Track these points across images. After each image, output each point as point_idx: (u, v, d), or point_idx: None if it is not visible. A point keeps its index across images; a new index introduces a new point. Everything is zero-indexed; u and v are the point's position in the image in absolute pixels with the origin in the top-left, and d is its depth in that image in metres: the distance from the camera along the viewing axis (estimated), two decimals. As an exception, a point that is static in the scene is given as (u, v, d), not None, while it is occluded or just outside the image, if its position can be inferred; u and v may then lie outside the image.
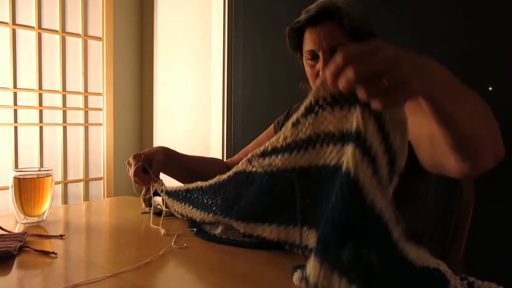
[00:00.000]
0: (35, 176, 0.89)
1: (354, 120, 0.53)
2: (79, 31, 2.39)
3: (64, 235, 0.79)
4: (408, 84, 0.46)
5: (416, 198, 0.95)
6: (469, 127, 0.57)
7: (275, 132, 1.17)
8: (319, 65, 0.96)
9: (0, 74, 2.13)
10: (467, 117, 0.57)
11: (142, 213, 1.00)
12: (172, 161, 1.03)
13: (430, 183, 1.12)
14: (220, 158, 2.10)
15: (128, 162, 0.99)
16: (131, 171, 0.95)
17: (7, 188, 2.07)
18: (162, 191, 0.94)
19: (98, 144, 2.50)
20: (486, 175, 1.34)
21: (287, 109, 1.22)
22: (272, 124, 1.20)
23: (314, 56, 0.97)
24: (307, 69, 1.01)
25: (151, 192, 0.96)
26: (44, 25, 2.27)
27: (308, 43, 0.97)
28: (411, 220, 0.91)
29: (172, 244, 0.74)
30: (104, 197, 2.48)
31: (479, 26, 1.31)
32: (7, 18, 2.12)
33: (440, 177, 1.11)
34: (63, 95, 2.34)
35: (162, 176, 1.02)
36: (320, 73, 0.97)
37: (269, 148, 0.67)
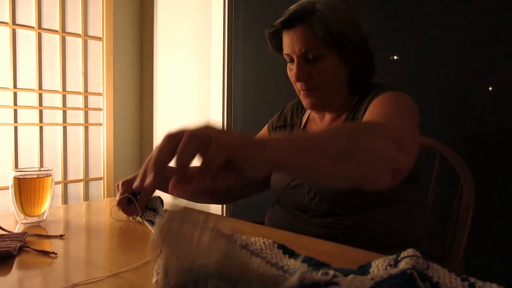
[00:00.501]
0: (35, 176, 0.89)
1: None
2: (79, 31, 2.39)
3: (64, 235, 0.78)
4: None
5: (413, 200, 0.95)
6: (336, 173, 0.56)
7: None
8: (295, 69, 0.94)
9: (0, 74, 2.13)
10: (328, 169, 0.55)
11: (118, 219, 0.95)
12: (166, 180, 1.01)
13: (426, 185, 1.12)
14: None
15: (117, 186, 0.97)
16: (116, 200, 0.94)
17: (7, 188, 2.07)
18: (150, 220, 0.89)
19: (98, 144, 2.50)
20: (486, 175, 1.33)
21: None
22: (267, 125, 1.18)
23: (291, 59, 0.95)
24: (288, 71, 0.99)
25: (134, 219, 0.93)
26: (44, 25, 2.27)
27: (284, 47, 0.96)
28: (410, 222, 0.92)
29: (172, 244, 0.74)
30: (104, 197, 2.48)
31: (480, 26, 1.31)
32: (7, 18, 2.12)
33: (440, 178, 1.11)
34: (63, 95, 2.34)
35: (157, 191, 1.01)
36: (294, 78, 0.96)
37: None
